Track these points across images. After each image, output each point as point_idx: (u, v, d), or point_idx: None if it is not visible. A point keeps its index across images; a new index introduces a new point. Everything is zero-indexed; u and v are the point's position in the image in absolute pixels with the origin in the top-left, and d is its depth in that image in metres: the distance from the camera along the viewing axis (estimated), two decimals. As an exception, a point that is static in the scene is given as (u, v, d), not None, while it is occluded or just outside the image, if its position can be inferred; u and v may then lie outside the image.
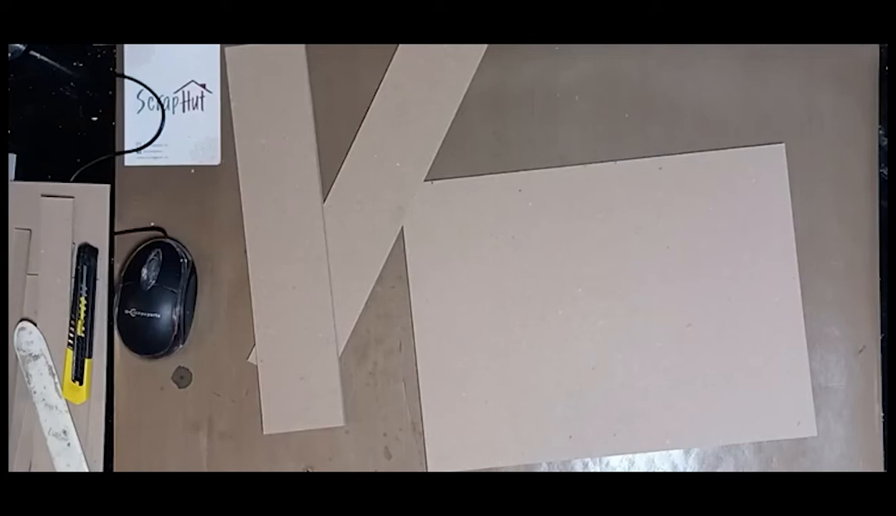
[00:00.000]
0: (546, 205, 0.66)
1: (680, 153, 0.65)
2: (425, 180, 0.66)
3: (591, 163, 0.66)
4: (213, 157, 0.67)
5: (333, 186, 0.67)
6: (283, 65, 0.67)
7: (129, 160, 0.67)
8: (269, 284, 0.66)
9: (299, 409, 0.65)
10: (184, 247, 0.66)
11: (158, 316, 0.63)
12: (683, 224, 0.65)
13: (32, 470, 0.65)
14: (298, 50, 0.67)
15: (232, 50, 0.67)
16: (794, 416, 0.64)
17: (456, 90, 0.66)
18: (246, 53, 0.67)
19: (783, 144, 0.65)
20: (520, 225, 0.66)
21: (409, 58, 0.67)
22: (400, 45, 0.67)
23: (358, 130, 0.67)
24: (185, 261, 0.65)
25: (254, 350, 0.66)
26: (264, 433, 0.65)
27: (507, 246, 0.66)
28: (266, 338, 0.66)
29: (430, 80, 0.66)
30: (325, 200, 0.66)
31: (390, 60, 0.67)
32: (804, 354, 0.64)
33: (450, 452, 0.64)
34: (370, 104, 0.67)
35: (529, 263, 0.65)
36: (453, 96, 0.66)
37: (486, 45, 0.66)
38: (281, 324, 0.66)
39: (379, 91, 0.67)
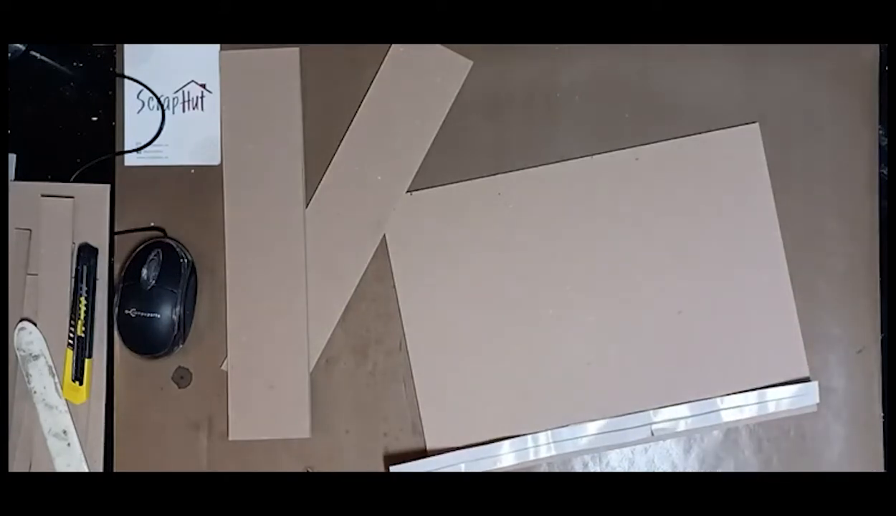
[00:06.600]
0: (526, 205, 0.66)
1: (654, 142, 0.65)
2: (407, 192, 0.66)
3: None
4: (213, 157, 0.67)
5: (313, 199, 0.66)
6: (276, 71, 0.67)
7: (129, 160, 0.67)
8: (246, 291, 0.66)
9: (266, 418, 0.65)
10: (184, 247, 0.66)
11: (158, 316, 0.63)
12: (665, 212, 0.65)
13: (32, 470, 0.65)
14: (292, 55, 0.67)
15: (225, 54, 0.67)
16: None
17: (440, 107, 0.66)
18: (239, 58, 0.67)
19: (757, 124, 0.65)
20: (502, 228, 0.66)
21: (395, 72, 0.66)
22: (385, 60, 0.66)
23: (340, 142, 0.66)
24: (185, 261, 0.65)
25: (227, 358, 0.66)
26: (230, 439, 0.65)
27: (492, 251, 0.65)
28: (238, 345, 0.65)
29: (414, 94, 0.66)
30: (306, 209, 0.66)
31: (376, 72, 0.66)
32: (797, 329, 0.64)
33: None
34: (353, 116, 0.66)
35: (516, 266, 0.65)
36: (437, 112, 0.66)
37: (471, 62, 0.66)
38: (254, 332, 0.65)
39: (363, 105, 0.66)
